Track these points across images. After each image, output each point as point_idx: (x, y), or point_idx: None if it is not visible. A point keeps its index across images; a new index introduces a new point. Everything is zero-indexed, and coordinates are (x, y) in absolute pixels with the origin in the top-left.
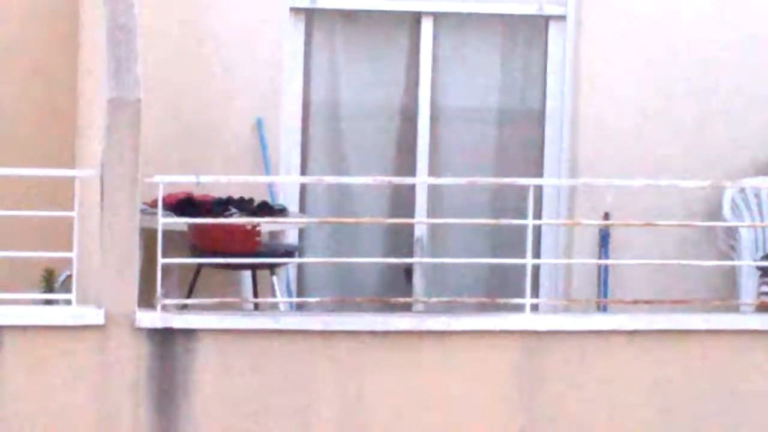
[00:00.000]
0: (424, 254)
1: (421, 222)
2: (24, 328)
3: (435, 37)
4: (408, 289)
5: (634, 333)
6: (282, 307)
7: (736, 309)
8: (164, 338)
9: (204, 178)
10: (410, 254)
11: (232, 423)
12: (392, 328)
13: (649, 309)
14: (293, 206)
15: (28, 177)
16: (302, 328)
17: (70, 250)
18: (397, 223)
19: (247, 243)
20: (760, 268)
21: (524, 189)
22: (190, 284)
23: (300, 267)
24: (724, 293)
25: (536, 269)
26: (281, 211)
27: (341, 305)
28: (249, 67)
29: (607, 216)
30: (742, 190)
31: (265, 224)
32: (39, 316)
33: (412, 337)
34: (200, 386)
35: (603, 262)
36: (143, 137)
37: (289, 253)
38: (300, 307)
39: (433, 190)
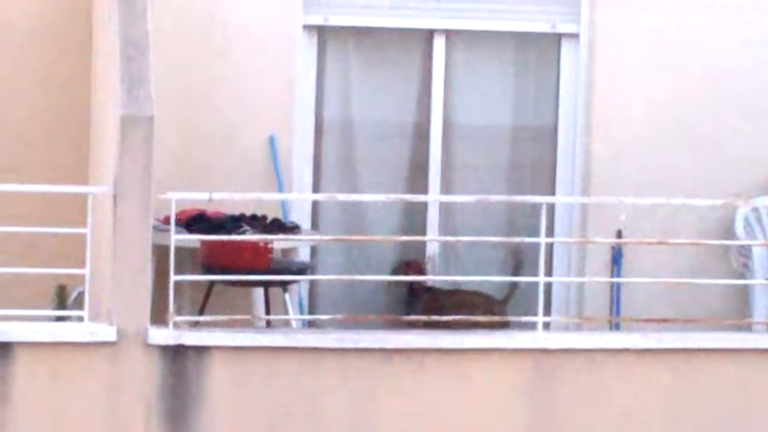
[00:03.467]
0: (436, 272)
1: (433, 240)
2: (36, 345)
3: (447, 55)
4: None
5: (646, 351)
6: (294, 324)
7: (748, 328)
8: (176, 355)
9: (216, 195)
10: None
11: None
12: (405, 345)
13: (662, 327)
14: (305, 223)
15: (41, 193)
16: (314, 346)
17: (83, 266)
18: (410, 240)
19: (259, 260)
20: None
21: (537, 207)
22: (203, 301)
23: (312, 284)
24: (737, 312)
25: (548, 287)
26: (294, 229)
27: (354, 323)
28: (262, 85)
29: (619, 234)
30: (756, 209)
31: (278, 241)
32: (51, 333)
33: (425, 354)
34: (212, 403)
35: (615, 280)
36: (156, 154)
37: (301, 270)
38: (312, 325)
39: (445, 207)
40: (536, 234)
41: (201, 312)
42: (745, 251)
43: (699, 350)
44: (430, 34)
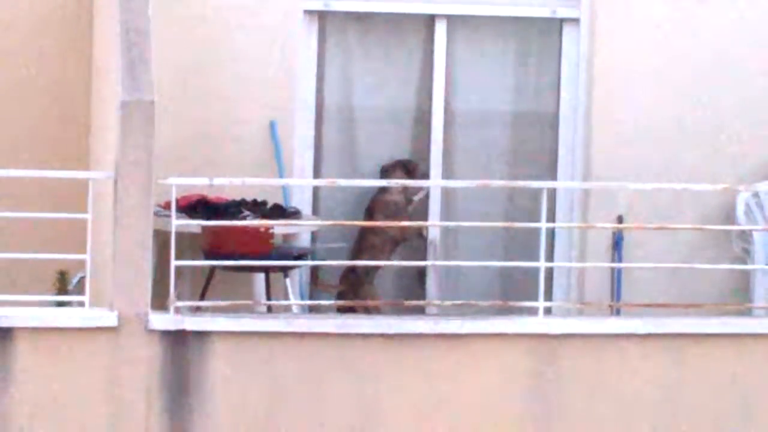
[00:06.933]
0: (437, 257)
1: (434, 225)
2: (37, 330)
3: (449, 40)
4: (421, 292)
5: (647, 336)
6: (295, 309)
7: (749, 312)
8: (177, 340)
9: (217, 181)
10: (424, 257)
11: (244, 425)
12: (405, 330)
13: (663, 312)
14: (306, 209)
15: (42, 179)
16: (315, 331)
17: (84, 252)
18: (411, 225)
19: (260, 245)
20: None
21: (538, 192)
22: (203, 286)
23: (313, 269)
24: (738, 296)
25: (549, 272)
26: (294, 214)
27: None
28: (262, 70)
29: (620, 219)
30: (756, 194)
31: (279, 227)
32: (52, 318)
33: (426, 339)
34: (213, 388)
35: (616, 265)
36: (157, 139)
37: (302, 255)
38: (313, 310)
39: (446, 192)
40: (537, 219)
41: (202, 297)
42: (745, 236)
43: (699, 335)
44: (431, 19)
